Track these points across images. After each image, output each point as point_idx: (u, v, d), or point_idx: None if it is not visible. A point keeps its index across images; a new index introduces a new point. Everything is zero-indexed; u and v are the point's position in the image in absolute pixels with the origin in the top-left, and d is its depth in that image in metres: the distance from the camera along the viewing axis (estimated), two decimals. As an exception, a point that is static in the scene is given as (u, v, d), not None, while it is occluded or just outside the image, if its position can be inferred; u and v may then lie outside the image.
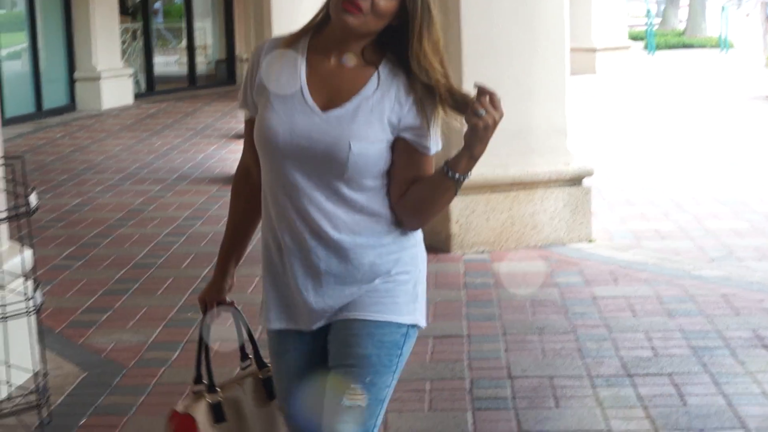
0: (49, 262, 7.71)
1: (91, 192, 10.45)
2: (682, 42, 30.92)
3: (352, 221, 2.95)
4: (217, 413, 3.24)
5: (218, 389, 3.28)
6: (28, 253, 5.34)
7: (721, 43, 28.85)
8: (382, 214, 2.98)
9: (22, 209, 4.97)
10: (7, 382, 5.04)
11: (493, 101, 2.79)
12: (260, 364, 3.36)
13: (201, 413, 3.23)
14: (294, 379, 3.15)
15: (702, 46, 30.16)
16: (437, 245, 7.85)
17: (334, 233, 2.95)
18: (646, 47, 29.02)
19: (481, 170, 7.81)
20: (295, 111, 2.92)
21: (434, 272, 7.31)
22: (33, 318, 5.17)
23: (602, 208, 9.26)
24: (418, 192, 2.96)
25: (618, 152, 12.68)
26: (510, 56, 7.89)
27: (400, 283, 3.02)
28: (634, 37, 29.48)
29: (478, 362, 5.65)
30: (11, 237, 5.53)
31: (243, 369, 3.41)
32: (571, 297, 6.74)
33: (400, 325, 3.02)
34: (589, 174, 8.16)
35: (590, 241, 8.09)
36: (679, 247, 8.12)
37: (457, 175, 2.89)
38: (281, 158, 2.93)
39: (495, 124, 2.80)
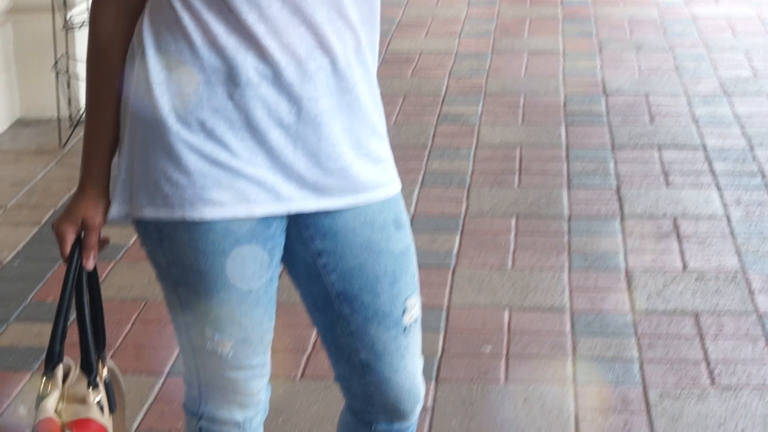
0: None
1: None
2: None
3: (360, 17, 1.85)
4: (110, 401, 1.99)
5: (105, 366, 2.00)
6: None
7: None
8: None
9: None
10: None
11: None
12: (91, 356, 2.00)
13: (96, 412, 1.93)
14: (257, 285, 1.91)
15: None
16: (534, -39, 7.67)
17: (339, 40, 1.83)
18: None
19: None
20: None
21: (531, -11, 7.19)
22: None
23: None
24: None
25: None
26: None
27: (383, 130, 1.96)
28: None
29: (572, 78, 5.60)
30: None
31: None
32: (671, 16, 6.60)
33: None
34: None
35: (693, -40, 7.86)
36: (785, -32, 7.87)
37: None
38: None
39: None
